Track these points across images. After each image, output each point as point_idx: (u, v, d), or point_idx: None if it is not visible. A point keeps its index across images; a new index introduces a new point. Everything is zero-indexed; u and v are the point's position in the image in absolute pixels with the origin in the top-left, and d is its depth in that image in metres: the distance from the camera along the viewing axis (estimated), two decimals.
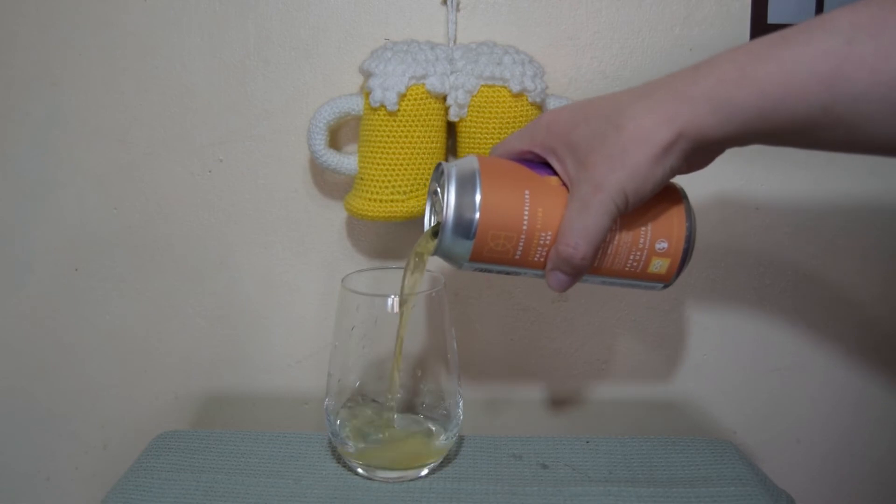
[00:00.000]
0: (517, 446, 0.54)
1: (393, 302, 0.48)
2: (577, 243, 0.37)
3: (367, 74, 0.52)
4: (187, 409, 0.63)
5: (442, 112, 0.53)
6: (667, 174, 0.36)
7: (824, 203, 0.60)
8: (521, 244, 0.38)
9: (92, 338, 0.62)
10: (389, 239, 0.60)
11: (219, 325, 0.62)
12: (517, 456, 0.52)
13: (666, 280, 0.41)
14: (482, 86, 0.51)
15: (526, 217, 0.38)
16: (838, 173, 0.59)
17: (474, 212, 0.38)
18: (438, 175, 0.42)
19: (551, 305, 0.61)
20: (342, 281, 0.50)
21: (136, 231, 0.60)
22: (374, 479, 0.49)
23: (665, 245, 0.40)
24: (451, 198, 0.38)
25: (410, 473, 0.49)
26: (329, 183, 0.59)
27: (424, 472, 0.50)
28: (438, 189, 0.42)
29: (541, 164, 0.40)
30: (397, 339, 0.47)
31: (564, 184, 0.39)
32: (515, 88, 0.51)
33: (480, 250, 0.39)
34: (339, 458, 0.52)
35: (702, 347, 0.62)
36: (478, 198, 0.38)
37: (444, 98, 0.52)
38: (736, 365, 0.62)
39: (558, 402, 0.63)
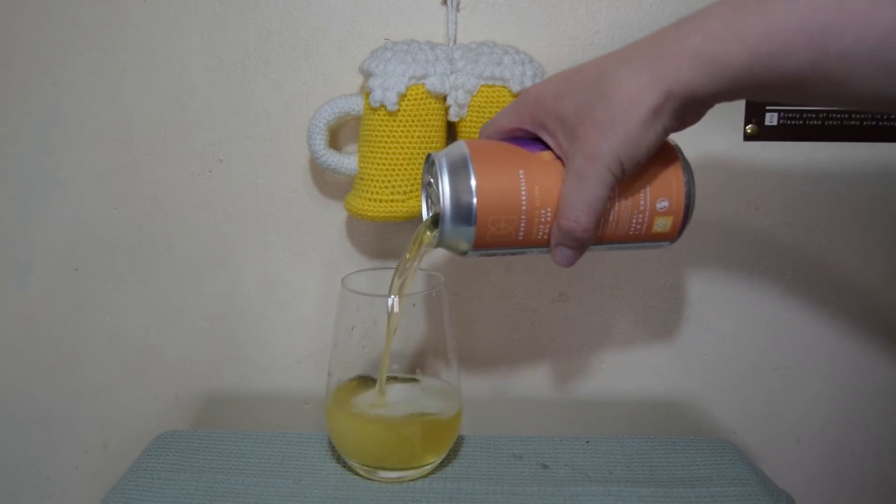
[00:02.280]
0: (517, 446, 0.54)
1: (393, 302, 0.48)
2: (578, 216, 0.37)
3: (367, 74, 0.52)
4: (187, 409, 0.63)
5: (442, 112, 0.53)
6: (659, 136, 0.36)
7: (825, 203, 0.60)
8: (522, 224, 0.38)
9: (92, 338, 0.62)
10: (389, 239, 0.60)
11: (219, 325, 0.62)
12: (517, 456, 0.52)
13: (671, 237, 0.41)
14: (482, 86, 0.51)
15: (524, 197, 0.38)
16: (839, 173, 0.59)
17: (471, 196, 0.37)
18: (430, 166, 0.42)
19: (551, 305, 0.61)
20: (342, 281, 0.50)
21: (136, 231, 0.60)
22: (374, 479, 0.49)
23: (666, 203, 0.40)
24: (445, 186, 0.38)
25: (410, 473, 0.49)
26: (329, 183, 0.59)
27: (426, 470, 0.50)
28: (431, 180, 0.41)
29: (531, 140, 0.40)
30: (387, 338, 0.47)
31: (558, 157, 0.38)
32: (515, 88, 0.51)
33: (483, 236, 0.38)
34: (338, 458, 0.52)
35: (702, 347, 0.62)
36: (473, 182, 0.37)
37: (444, 98, 0.52)
38: (736, 365, 0.62)
39: (558, 402, 0.63)
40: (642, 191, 0.39)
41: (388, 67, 0.51)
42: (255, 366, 0.63)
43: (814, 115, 0.58)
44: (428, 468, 0.50)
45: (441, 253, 0.60)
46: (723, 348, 0.62)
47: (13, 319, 0.62)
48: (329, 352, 0.51)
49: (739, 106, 0.58)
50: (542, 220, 0.38)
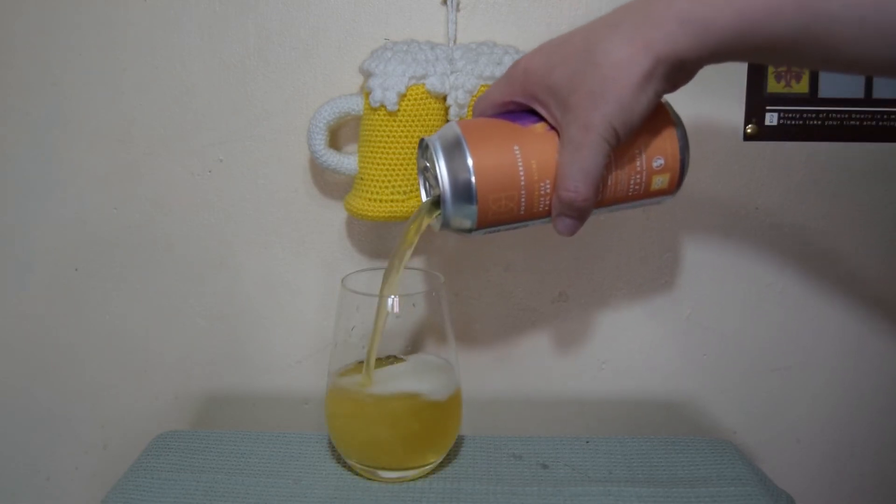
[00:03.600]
0: (517, 446, 0.54)
1: (393, 302, 0.48)
2: (577, 187, 0.37)
3: (367, 74, 0.52)
4: (187, 409, 0.63)
5: (442, 112, 0.53)
6: (651, 100, 0.36)
7: (824, 203, 0.60)
8: (523, 199, 0.38)
9: (92, 338, 0.62)
10: (389, 239, 0.60)
11: (219, 325, 0.62)
12: (517, 456, 0.52)
13: (670, 192, 0.42)
14: (482, 86, 0.51)
15: (522, 171, 0.38)
16: (839, 173, 0.59)
17: (469, 175, 0.38)
18: (424, 150, 0.42)
19: (551, 305, 0.61)
20: (342, 281, 0.50)
21: (136, 231, 0.60)
22: (374, 479, 0.49)
23: (661, 161, 0.40)
24: (442, 167, 0.38)
25: (410, 473, 0.49)
26: (329, 183, 0.59)
27: (426, 470, 0.50)
28: (427, 164, 0.41)
29: (525, 112, 0.40)
30: (375, 326, 0.47)
31: (552, 128, 0.38)
32: None
33: (486, 213, 0.39)
34: (338, 458, 0.52)
35: (702, 347, 0.62)
36: (470, 161, 0.38)
37: (444, 98, 0.52)
38: (736, 365, 0.62)
39: (558, 402, 0.63)
40: (638, 152, 0.39)
41: (388, 67, 0.51)
42: (255, 366, 0.63)
43: (814, 116, 0.58)
44: (428, 468, 0.50)
45: (441, 253, 0.60)
46: (723, 348, 0.62)
47: (13, 319, 0.62)
48: (329, 352, 0.51)
49: (739, 106, 0.58)
50: (542, 192, 0.38)
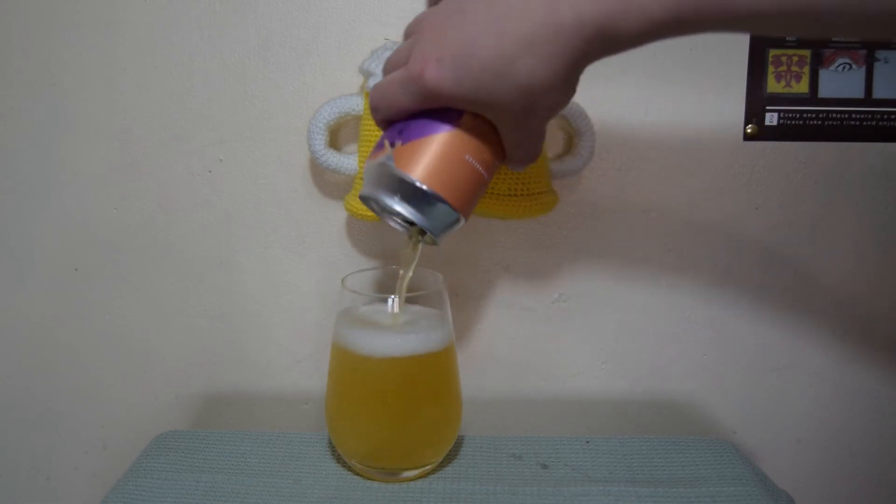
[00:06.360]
0: (517, 446, 0.54)
1: (393, 302, 0.48)
2: (529, 159, 0.39)
3: (367, 74, 0.52)
4: (187, 409, 0.63)
5: None
6: (575, 86, 0.36)
7: (824, 203, 0.60)
8: (487, 184, 0.40)
9: (92, 338, 0.62)
10: (389, 239, 0.60)
11: (219, 325, 0.62)
12: (517, 456, 0.52)
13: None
14: None
15: (483, 171, 0.38)
16: (839, 173, 0.59)
17: (447, 206, 0.37)
18: (376, 204, 0.39)
19: (551, 305, 0.61)
20: (342, 281, 0.50)
21: (136, 231, 0.60)
22: (374, 479, 0.49)
23: None
24: (414, 216, 0.37)
25: (411, 473, 0.49)
26: (329, 183, 0.59)
27: (426, 470, 0.50)
28: (388, 211, 0.39)
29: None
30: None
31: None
32: None
33: (468, 213, 0.39)
34: (338, 458, 0.52)
35: (702, 347, 0.62)
36: (439, 199, 0.37)
37: None
38: (736, 365, 0.62)
39: (558, 402, 0.63)
40: None
41: None
42: (255, 366, 0.63)
43: (814, 116, 0.58)
44: (428, 468, 0.50)
45: (441, 253, 0.60)
46: (723, 348, 0.62)
47: (13, 319, 0.62)
48: (329, 352, 0.51)
49: (739, 106, 0.58)
50: (499, 164, 0.40)
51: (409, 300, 0.48)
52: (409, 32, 0.38)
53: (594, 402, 0.63)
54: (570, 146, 0.57)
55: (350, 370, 0.49)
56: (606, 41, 0.32)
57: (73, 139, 0.59)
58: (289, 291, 0.61)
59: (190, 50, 0.57)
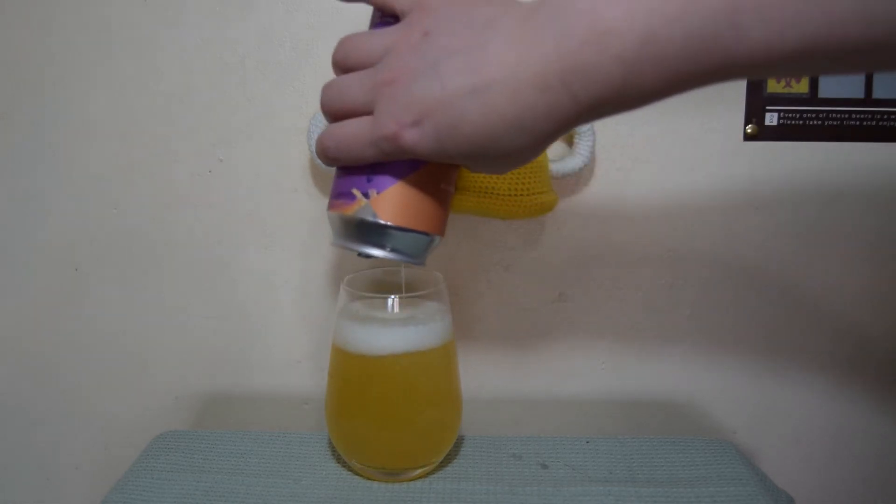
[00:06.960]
0: (517, 446, 0.54)
1: (393, 302, 0.48)
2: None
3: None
4: (187, 409, 0.63)
5: None
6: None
7: (825, 202, 0.60)
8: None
9: (92, 338, 0.62)
10: None
11: (219, 325, 0.62)
12: (517, 456, 0.52)
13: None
14: None
15: (453, 188, 0.39)
16: (839, 172, 0.59)
17: (434, 241, 0.38)
18: (348, 250, 0.38)
19: (551, 305, 0.61)
20: (342, 281, 0.50)
21: (136, 231, 0.60)
22: (374, 479, 0.49)
23: None
24: (411, 261, 0.38)
25: (410, 473, 0.49)
26: (329, 183, 0.59)
27: (426, 470, 0.50)
28: (358, 254, 0.38)
29: None
30: None
31: None
32: None
33: (445, 230, 0.40)
34: (338, 458, 0.52)
35: (702, 347, 0.62)
36: (429, 238, 0.38)
37: None
38: (736, 365, 0.62)
39: (558, 402, 0.63)
40: None
41: None
42: (255, 366, 0.63)
43: (814, 116, 0.58)
44: (428, 468, 0.50)
45: (441, 253, 0.60)
46: (723, 348, 0.62)
47: (13, 319, 0.62)
48: (329, 352, 0.51)
49: (739, 106, 0.58)
50: None
51: (410, 300, 0.48)
52: (372, 57, 0.35)
53: (594, 402, 0.63)
54: (570, 146, 0.57)
55: (350, 370, 0.49)
56: (599, 115, 0.32)
57: (73, 139, 0.59)
58: (289, 291, 0.61)
59: (190, 50, 0.57)
